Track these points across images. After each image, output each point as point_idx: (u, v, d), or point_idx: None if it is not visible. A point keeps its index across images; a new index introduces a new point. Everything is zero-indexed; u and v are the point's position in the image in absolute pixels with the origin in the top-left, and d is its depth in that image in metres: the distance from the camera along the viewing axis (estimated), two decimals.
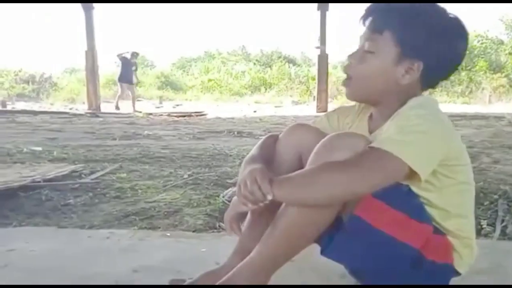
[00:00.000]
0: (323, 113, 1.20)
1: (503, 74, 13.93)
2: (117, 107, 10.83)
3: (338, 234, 0.93)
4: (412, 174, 0.87)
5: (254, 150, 1.08)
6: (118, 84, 11.27)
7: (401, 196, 0.91)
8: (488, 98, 12.81)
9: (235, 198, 0.98)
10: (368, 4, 0.98)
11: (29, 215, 1.93)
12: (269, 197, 0.88)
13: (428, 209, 0.95)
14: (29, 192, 2.26)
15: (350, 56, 1.00)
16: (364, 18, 0.97)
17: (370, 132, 1.04)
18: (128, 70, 11.01)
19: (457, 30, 0.96)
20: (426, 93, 1.05)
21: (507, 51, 14.97)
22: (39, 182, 2.42)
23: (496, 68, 14.44)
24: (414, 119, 0.88)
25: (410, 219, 0.91)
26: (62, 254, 1.45)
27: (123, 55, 11.06)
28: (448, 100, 12.41)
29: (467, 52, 1.03)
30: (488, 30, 15.84)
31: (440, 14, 0.95)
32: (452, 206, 0.96)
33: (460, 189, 0.97)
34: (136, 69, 11.51)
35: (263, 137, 1.15)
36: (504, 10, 16.68)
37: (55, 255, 1.44)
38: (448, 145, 0.91)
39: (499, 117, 7.48)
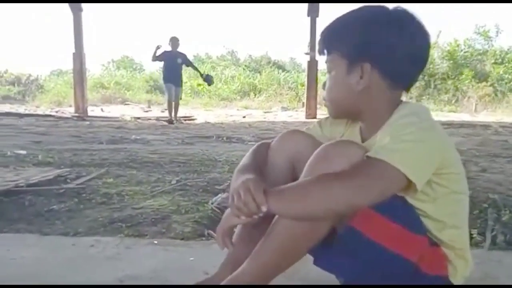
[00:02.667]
0: (313, 119, 1.19)
1: (488, 83, 14.14)
2: (171, 121, 7.84)
3: (332, 245, 0.91)
4: (407, 184, 0.85)
5: (246, 158, 1.05)
6: (164, 86, 8.21)
7: (397, 207, 0.89)
8: (474, 107, 12.99)
9: (228, 210, 0.95)
10: None
11: (11, 221, 1.87)
12: (264, 209, 0.85)
13: (423, 219, 0.93)
14: (12, 197, 2.20)
15: (323, 85, 1.04)
16: (320, 49, 1.02)
17: (363, 140, 1.02)
18: (173, 66, 7.90)
19: (397, 21, 0.94)
20: (403, 97, 1.01)
21: (492, 61, 15.21)
22: (23, 187, 2.36)
23: (481, 77, 14.66)
24: (408, 127, 0.87)
25: (406, 231, 0.89)
26: (44, 263, 1.40)
27: (158, 53, 7.81)
28: (435, 108, 12.55)
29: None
30: (468, 39, 16.07)
31: (374, 14, 0.96)
32: (447, 216, 0.94)
33: (454, 198, 0.95)
34: (184, 63, 8.09)
35: (255, 145, 1.12)
36: (477, 22, 17.01)
37: (37, 264, 1.39)
38: (442, 154, 0.90)
39: (485, 126, 7.57)
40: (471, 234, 1.75)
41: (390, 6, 0.97)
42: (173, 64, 7.93)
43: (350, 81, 0.96)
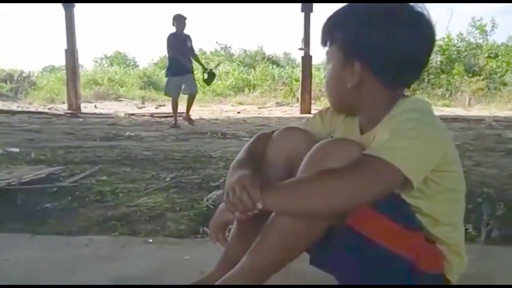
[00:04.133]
0: (307, 115, 1.19)
1: (481, 78, 14.20)
2: (175, 124, 6.31)
3: (329, 244, 0.90)
4: (404, 182, 0.84)
5: (242, 153, 1.04)
6: (168, 81, 6.48)
7: (393, 204, 0.88)
8: (468, 101, 13.04)
9: (222, 205, 0.94)
10: None
11: (3, 221, 1.85)
12: (259, 206, 0.84)
13: (417, 216, 0.92)
14: (4, 196, 2.17)
15: (324, 77, 1.04)
16: (321, 40, 1.00)
17: (361, 133, 1.01)
18: (183, 51, 6.22)
19: (395, 19, 0.90)
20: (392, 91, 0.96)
21: (486, 55, 15.27)
22: (15, 185, 2.33)
23: (474, 71, 14.72)
24: (408, 124, 0.85)
25: (403, 228, 0.88)
26: (37, 263, 1.38)
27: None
28: (428, 103, 12.58)
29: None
30: (461, 33, 16.10)
31: (373, 10, 0.92)
32: (441, 213, 0.93)
33: (449, 197, 0.94)
34: (192, 49, 6.45)
35: (252, 138, 1.11)
36: (473, 15, 17.00)
37: (30, 264, 1.37)
38: (442, 151, 0.88)
39: (479, 120, 7.61)
40: (466, 229, 1.75)
41: None
42: (183, 47, 6.20)
43: (344, 76, 0.95)
